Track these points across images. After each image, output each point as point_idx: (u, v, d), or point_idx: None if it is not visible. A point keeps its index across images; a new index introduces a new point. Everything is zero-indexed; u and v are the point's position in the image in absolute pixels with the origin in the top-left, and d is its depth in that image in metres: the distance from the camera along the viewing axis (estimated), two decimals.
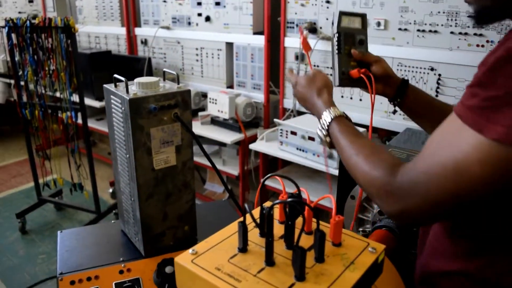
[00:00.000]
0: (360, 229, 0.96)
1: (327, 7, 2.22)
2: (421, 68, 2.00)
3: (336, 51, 1.08)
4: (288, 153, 2.22)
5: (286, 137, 2.21)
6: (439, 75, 1.95)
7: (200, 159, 2.76)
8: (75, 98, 2.53)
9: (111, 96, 0.99)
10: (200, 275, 0.44)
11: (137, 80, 0.98)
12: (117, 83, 1.00)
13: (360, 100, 2.23)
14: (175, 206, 1.05)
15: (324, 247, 0.45)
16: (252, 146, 2.39)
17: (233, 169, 2.66)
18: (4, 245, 2.80)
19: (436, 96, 1.98)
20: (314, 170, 2.15)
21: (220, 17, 2.73)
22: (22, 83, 2.62)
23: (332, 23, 1.09)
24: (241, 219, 0.47)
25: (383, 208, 0.65)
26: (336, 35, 1.07)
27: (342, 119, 0.91)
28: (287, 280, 0.44)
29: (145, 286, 0.95)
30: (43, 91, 2.58)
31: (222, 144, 2.84)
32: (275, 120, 2.29)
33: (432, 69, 1.96)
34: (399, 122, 2.11)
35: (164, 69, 1.08)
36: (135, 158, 0.95)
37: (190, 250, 0.47)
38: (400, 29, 2.00)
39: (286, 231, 0.46)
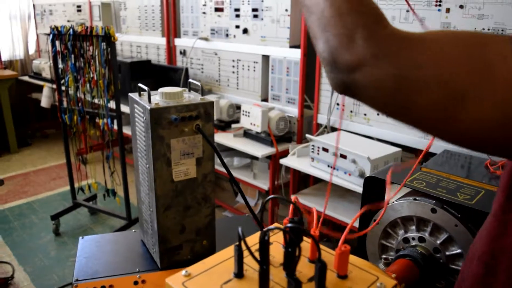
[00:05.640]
0: (383, 256, 0.90)
1: None
2: None
3: None
4: (319, 170, 2.17)
5: (318, 154, 2.16)
6: None
7: (232, 172, 2.74)
8: (113, 105, 2.59)
9: (135, 105, 0.99)
10: None
11: (160, 90, 0.97)
12: (142, 92, 1.00)
13: None
14: (193, 219, 1.03)
15: (325, 280, 0.41)
16: (283, 161, 2.35)
17: (264, 184, 2.62)
18: (38, 246, 2.88)
19: None
20: (346, 189, 2.09)
21: (257, 29, 2.73)
22: (64, 88, 2.70)
23: None
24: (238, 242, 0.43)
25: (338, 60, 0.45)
26: None
27: None
28: None
29: None
30: (82, 97, 2.65)
31: (253, 158, 2.82)
32: (307, 135, 2.24)
33: None
34: (437, 143, 2.00)
35: (190, 80, 1.07)
36: (154, 168, 0.94)
37: (183, 272, 0.45)
38: None
39: (286, 259, 0.42)
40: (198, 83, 1.01)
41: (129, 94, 1.03)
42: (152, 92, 0.98)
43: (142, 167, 1.02)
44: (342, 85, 0.47)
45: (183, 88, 1.01)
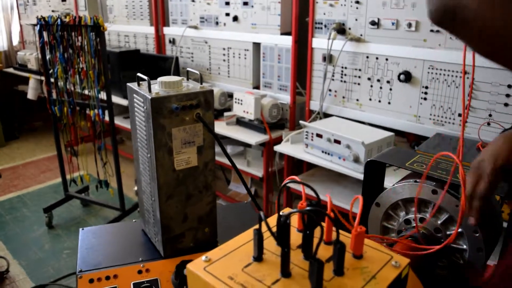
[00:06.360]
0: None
1: (357, 8, 2.17)
2: (453, 71, 1.92)
3: None
4: (313, 155, 2.19)
5: (312, 140, 2.17)
6: (473, 79, 1.88)
7: (224, 160, 2.75)
8: (103, 96, 2.57)
9: (134, 95, 0.99)
10: (212, 283, 0.42)
11: (160, 79, 0.97)
12: (141, 82, 0.99)
13: (389, 103, 2.17)
14: (195, 207, 1.04)
15: (344, 260, 0.43)
16: (277, 148, 2.36)
17: (257, 171, 2.64)
18: (31, 239, 2.87)
19: (468, 101, 1.91)
20: (339, 174, 2.11)
21: (247, 17, 2.72)
22: (52, 80, 2.67)
23: None
24: (257, 226, 0.44)
25: None
26: None
27: None
28: None
29: (163, 287, 0.94)
30: (72, 89, 2.63)
31: (247, 145, 2.83)
32: (301, 122, 2.26)
33: (465, 73, 1.89)
34: (429, 126, 2.04)
35: (188, 69, 1.06)
36: (156, 158, 0.94)
37: (203, 257, 0.46)
38: (432, 30, 1.93)
39: (304, 241, 0.43)
40: (197, 72, 1.01)
41: (128, 84, 1.02)
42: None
43: (143, 157, 1.02)
44: (445, 7, 0.43)
45: (182, 77, 1.01)
